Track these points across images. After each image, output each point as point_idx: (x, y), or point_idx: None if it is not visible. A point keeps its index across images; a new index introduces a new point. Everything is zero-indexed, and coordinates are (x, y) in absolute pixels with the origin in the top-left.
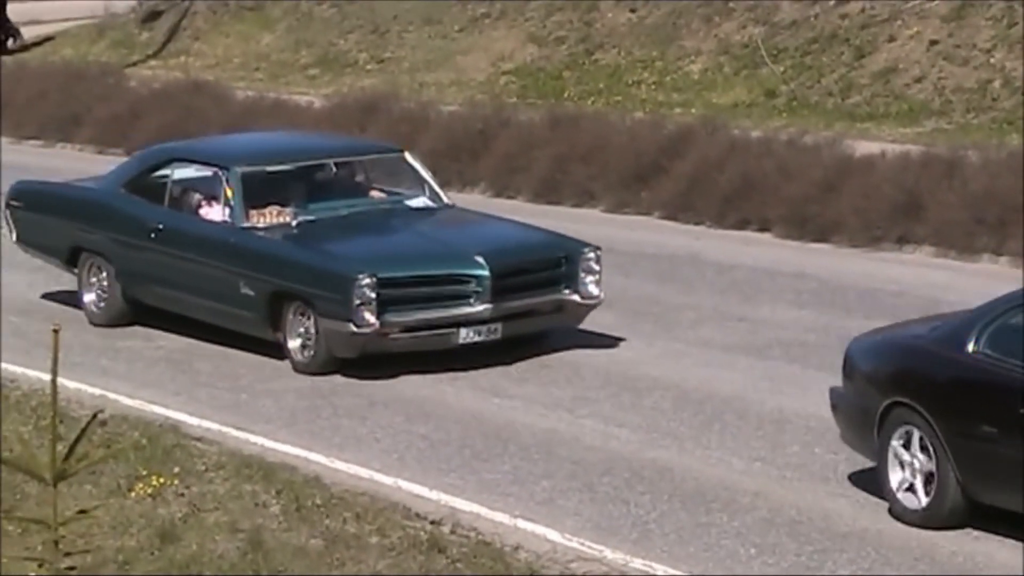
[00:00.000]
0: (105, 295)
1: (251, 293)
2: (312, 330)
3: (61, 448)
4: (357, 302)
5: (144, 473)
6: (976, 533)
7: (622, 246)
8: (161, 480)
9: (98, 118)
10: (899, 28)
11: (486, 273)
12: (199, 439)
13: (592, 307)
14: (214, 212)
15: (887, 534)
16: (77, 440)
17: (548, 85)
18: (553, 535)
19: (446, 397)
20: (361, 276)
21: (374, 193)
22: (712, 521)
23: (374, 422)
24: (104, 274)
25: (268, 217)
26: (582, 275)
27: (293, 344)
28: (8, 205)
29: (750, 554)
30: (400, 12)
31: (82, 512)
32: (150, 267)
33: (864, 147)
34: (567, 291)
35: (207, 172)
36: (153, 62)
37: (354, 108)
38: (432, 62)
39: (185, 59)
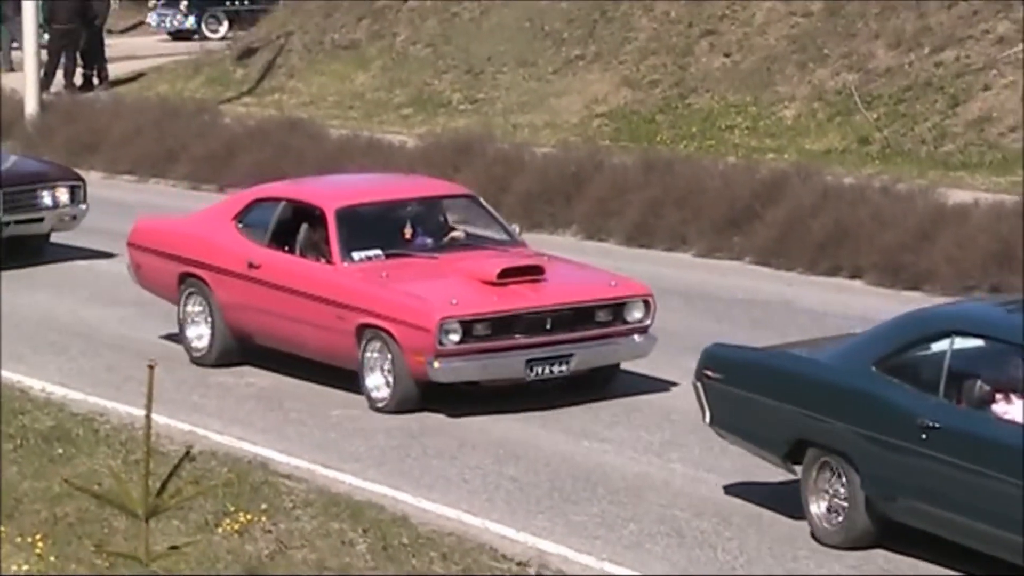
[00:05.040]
0: (843, 507)
1: None
2: None
3: (152, 483)
4: None
5: (232, 510)
6: None
7: (714, 291)
8: (249, 517)
9: (193, 155)
10: (994, 77)
11: None
12: (287, 476)
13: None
14: (1015, 410)
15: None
16: (170, 476)
17: (641, 128)
18: None
19: (536, 439)
20: None
21: None
22: (799, 568)
23: (463, 462)
24: (843, 479)
25: None
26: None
27: None
28: (700, 376)
29: None
30: (494, 53)
31: (173, 548)
32: (914, 476)
33: (957, 196)
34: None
35: (999, 348)
36: (248, 99)
37: (448, 148)
38: (526, 104)
39: (280, 96)
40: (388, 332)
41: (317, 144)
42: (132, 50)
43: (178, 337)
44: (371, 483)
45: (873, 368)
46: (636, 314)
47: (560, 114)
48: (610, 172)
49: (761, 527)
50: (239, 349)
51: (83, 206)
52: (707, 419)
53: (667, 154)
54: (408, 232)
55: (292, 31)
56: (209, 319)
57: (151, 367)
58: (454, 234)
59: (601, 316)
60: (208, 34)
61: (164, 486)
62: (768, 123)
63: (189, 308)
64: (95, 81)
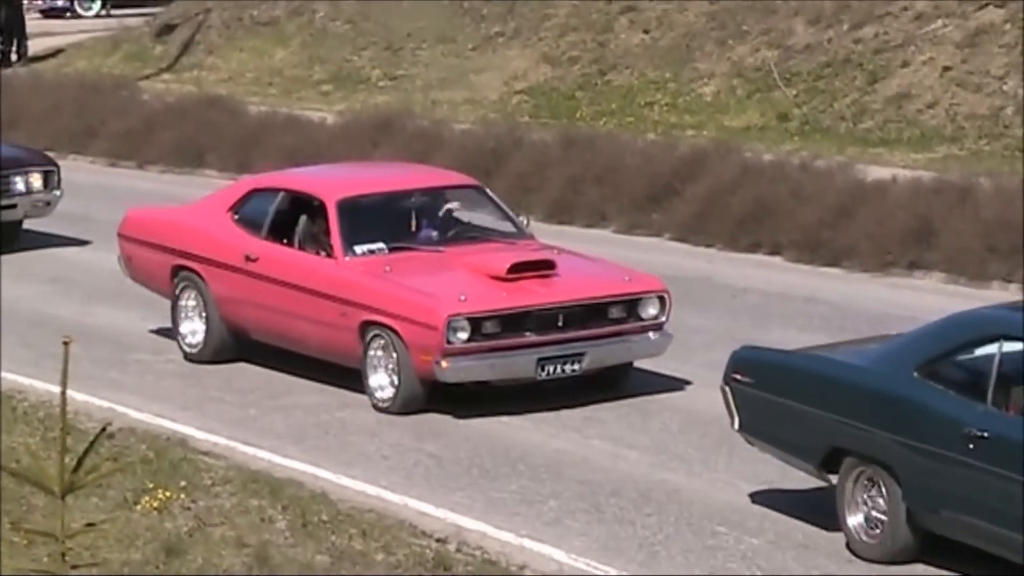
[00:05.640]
0: (882, 520)
1: None
2: None
3: (69, 460)
4: None
5: (151, 487)
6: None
7: (634, 268)
8: (168, 494)
9: (112, 131)
10: (913, 54)
11: None
12: (206, 453)
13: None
14: None
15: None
16: (86, 453)
17: (561, 105)
18: (559, 555)
19: (455, 417)
20: None
21: None
22: (719, 544)
23: (382, 439)
24: (883, 490)
25: None
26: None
27: None
28: (729, 380)
29: None
30: (414, 30)
31: (90, 525)
32: (960, 487)
33: (876, 172)
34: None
35: None
36: (167, 76)
37: (367, 125)
38: (445, 80)
39: (198, 73)
40: (393, 330)
41: (236, 121)
42: (50, 27)
43: (169, 331)
44: (290, 460)
45: (915, 373)
46: (651, 310)
47: (480, 90)
48: (530, 149)
49: (680, 503)
50: (235, 345)
51: (57, 192)
52: (735, 425)
53: (587, 131)
54: (412, 224)
55: (211, 8)
56: (203, 314)
57: (66, 343)
58: (451, 210)
59: (614, 313)
60: (81, 12)
61: (80, 463)
62: (687, 100)
63: (183, 302)
64: (13, 57)
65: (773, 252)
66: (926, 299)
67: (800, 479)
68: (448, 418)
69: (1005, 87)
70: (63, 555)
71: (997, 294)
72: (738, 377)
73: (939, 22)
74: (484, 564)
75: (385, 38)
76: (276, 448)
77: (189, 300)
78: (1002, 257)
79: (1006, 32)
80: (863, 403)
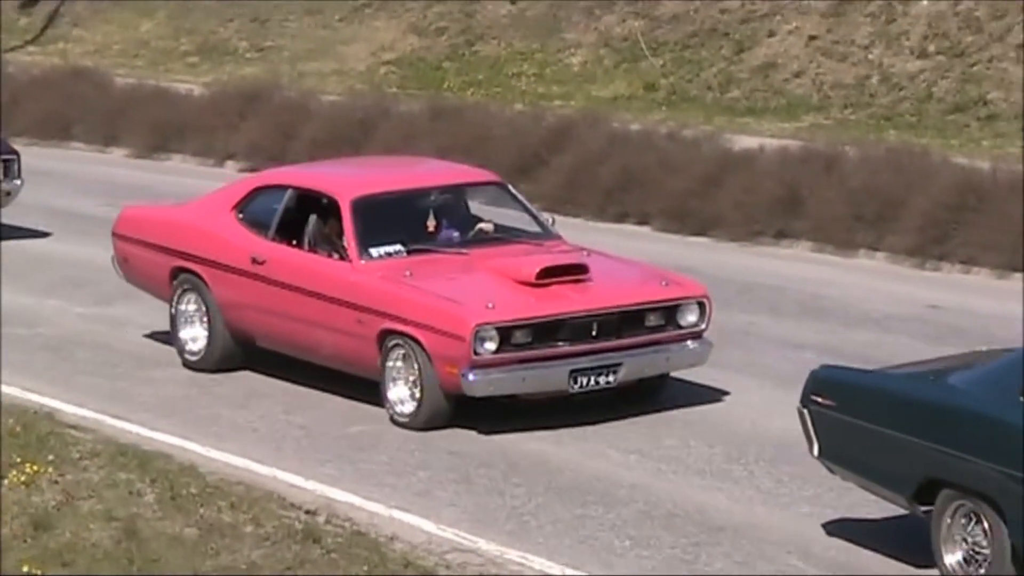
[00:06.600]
0: (984, 558)
1: None
2: None
3: None
4: None
5: (18, 461)
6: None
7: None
8: (35, 468)
9: None
10: (779, 23)
11: None
12: (74, 427)
13: None
14: None
15: (761, 527)
16: None
17: (429, 76)
18: (429, 526)
19: (325, 389)
20: None
21: None
22: (588, 513)
23: (251, 411)
24: (985, 526)
25: None
26: None
27: None
28: (808, 402)
29: (625, 547)
30: (281, 1)
31: None
32: None
33: (743, 142)
34: None
35: None
36: (32, 48)
37: (235, 97)
38: (313, 51)
39: (64, 46)
40: (415, 339)
41: (103, 93)
42: None
43: (169, 337)
44: (160, 433)
45: (1022, 397)
46: (690, 317)
47: (347, 61)
48: (398, 119)
49: (550, 473)
50: (240, 353)
51: (17, 181)
52: (815, 451)
53: (455, 101)
54: (432, 224)
55: None
56: (205, 319)
57: None
58: (482, 225)
59: (652, 320)
60: None
61: None
62: (555, 70)
63: (183, 306)
64: None
65: (641, 222)
66: (794, 267)
67: (669, 449)
68: (317, 391)
69: (870, 56)
70: None
71: (864, 262)
72: (818, 400)
73: None
74: (353, 535)
75: (252, 9)
76: (145, 421)
77: (189, 304)
78: (868, 225)
79: (871, 2)
80: (963, 430)
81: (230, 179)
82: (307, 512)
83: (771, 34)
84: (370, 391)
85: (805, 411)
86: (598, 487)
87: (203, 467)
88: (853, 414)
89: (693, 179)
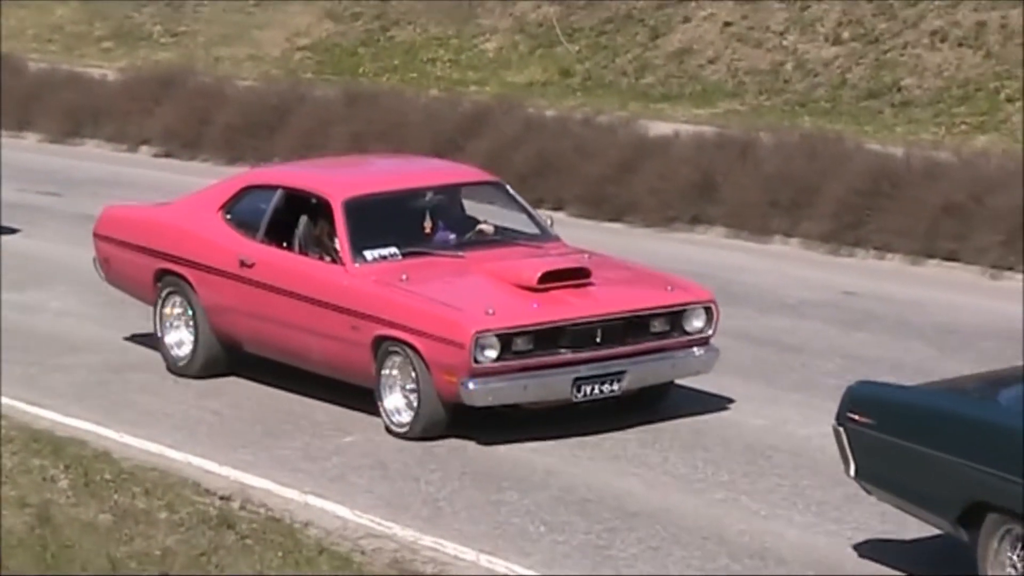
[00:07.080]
0: None
1: None
2: None
3: None
4: None
5: None
6: (765, 512)
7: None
8: None
9: None
10: (694, 9)
11: None
12: None
13: None
14: None
15: (676, 512)
16: None
17: (344, 61)
18: (343, 512)
19: (239, 375)
20: None
21: None
22: (503, 499)
23: (165, 397)
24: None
25: None
26: None
27: None
28: (844, 420)
29: (540, 532)
30: None
31: None
32: None
33: (659, 128)
34: None
35: None
36: None
37: (150, 82)
38: (228, 36)
39: None
40: (412, 346)
41: (16, 78)
42: None
43: (153, 342)
44: (73, 419)
45: None
46: (696, 323)
47: (262, 47)
48: (313, 105)
49: (465, 459)
50: (227, 358)
51: None
52: (851, 471)
53: (370, 87)
54: (428, 226)
55: None
56: (191, 323)
57: None
58: (482, 227)
59: (657, 326)
60: None
61: None
62: (470, 56)
63: (167, 310)
64: None
65: (557, 207)
66: (708, 253)
67: (583, 434)
68: (231, 377)
69: (785, 42)
70: None
71: (778, 248)
72: (855, 417)
73: None
74: (268, 521)
75: None
76: (58, 407)
77: (175, 308)
78: (783, 211)
79: None
80: (1011, 451)
81: (144, 164)
82: (221, 498)
83: (686, 20)
84: (287, 376)
85: (841, 429)
86: (513, 473)
87: (117, 453)
88: (893, 433)
89: (608, 165)
